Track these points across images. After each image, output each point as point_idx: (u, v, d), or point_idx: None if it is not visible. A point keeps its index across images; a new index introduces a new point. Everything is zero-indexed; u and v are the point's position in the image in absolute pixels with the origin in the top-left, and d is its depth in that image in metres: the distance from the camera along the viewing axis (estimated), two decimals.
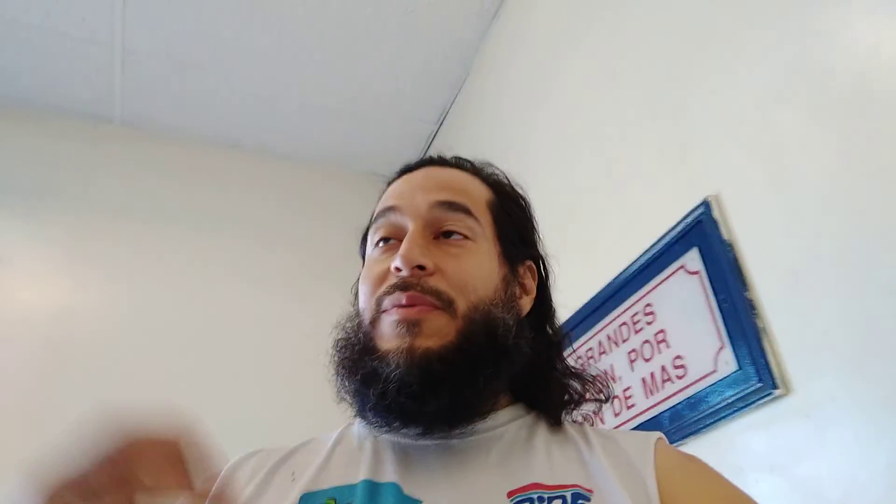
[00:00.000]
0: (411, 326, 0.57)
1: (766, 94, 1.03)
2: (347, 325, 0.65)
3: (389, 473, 0.58)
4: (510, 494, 0.54)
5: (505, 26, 2.08)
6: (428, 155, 0.74)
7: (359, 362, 0.60)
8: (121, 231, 2.24)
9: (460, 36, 2.18)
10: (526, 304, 0.67)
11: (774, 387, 0.92)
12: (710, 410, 1.03)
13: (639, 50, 1.38)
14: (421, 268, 0.59)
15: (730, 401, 0.99)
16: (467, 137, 2.27)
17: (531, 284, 0.69)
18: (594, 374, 0.71)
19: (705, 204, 1.10)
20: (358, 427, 0.65)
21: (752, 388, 0.95)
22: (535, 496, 0.54)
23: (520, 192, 0.75)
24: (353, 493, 0.57)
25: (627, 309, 1.26)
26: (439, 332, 0.57)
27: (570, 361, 0.71)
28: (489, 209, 0.67)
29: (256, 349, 2.17)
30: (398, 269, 0.59)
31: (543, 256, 0.74)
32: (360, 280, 0.67)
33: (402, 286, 0.59)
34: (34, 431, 1.83)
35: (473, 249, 0.63)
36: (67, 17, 2.02)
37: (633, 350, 1.22)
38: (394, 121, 2.48)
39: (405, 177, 0.70)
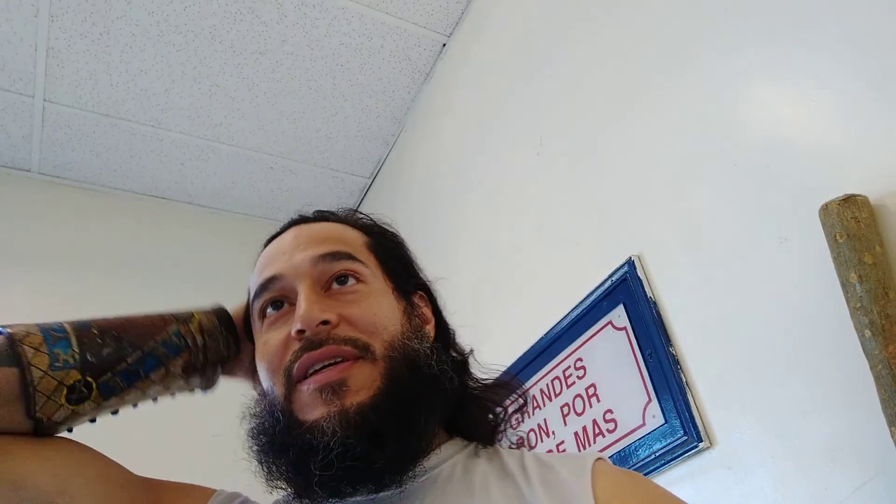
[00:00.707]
0: (337, 388, 0.55)
1: (684, 167, 1.11)
2: (257, 409, 0.61)
3: None
4: None
5: (435, 88, 2.15)
6: (292, 217, 0.72)
7: (285, 442, 0.56)
8: (36, 279, 2.14)
9: (393, 94, 2.24)
10: (430, 331, 0.66)
11: (699, 440, 0.97)
12: (641, 463, 1.07)
13: (562, 116, 1.46)
14: (325, 323, 0.57)
15: (658, 454, 1.03)
16: (401, 191, 2.31)
17: (428, 312, 0.69)
18: (505, 379, 0.72)
19: (630, 263, 1.16)
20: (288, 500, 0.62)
21: (678, 441, 1.00)
22: None
23: (390, 229, 0.74)
24: None
25: (559, 363, 1.30)
26: (365, 383, 0.55)
27: (478, 374, 0.70)
28: (369, 250, 0.66)
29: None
30: (300, 333, 0.56)
31: (429, 283, 0.73)
32: (257, 359, 0.63)
33: (311, 346, 0.56)
34: None
35: (369, 291, 0.61)
36: None
37: (566, 404, 1.26)
38: (327, 174, 2.49)
39: (275, 241, 0.67)
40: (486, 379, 0.70)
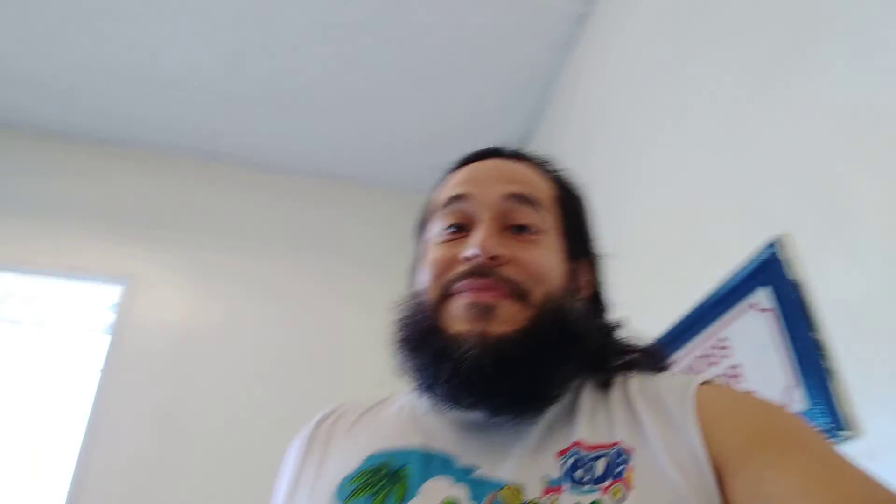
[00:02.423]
0: (485, 311, 0.57)
1: (836, 139, 1.06)
2: (407, 304, 0.65)
3: (445, 444, 0.59)
4: (559, 454, 0.55)
5: (580, 59, 2.14)
6: (493, 146, 0.73)
7: (425, 341, 0.60)
8: (231, 256, 2.52)
9: (539, 66, 2.27)
10: (586, 298, 0.67)
11: (843, 428, 0.96)
12: None
13: (710, 87, 1.42)
14: (494, 258, 0.59)
15: None
16: None
17: (587, 282, 0.69)
18: (653, 345, 0.69)
19: (775, 243, 1.14)
20: (415, 399, 0.66)
21: (822, 428, 0.99)
22: (581, 454, 0.54)
23: (580, 189, 0.74)
24: (409, 457, 0.59)
25: (703, 342, 1.31)
26: (512, 318, 0.58)
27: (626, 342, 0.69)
28: (555, 205, 0.67)
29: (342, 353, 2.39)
30: (472, 257, 0.59)
31: (598, 254, 0.72)
32: (421, 262, 0.66)
33: (478, 273, 0.59)
34: (169, 426, 2.13)
35: (543, 243, 0.63)
36: (182, 70, 2.28)
37: None
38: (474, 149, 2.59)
39: (472, 166, 0.69)
40: (633, 345, 0.68)
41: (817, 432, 0.53)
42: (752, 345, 1.18)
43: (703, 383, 0.57)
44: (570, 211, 0.69)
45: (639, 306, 1.56)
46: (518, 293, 0.59)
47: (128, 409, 2.13)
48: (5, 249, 2.29)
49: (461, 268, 0.60)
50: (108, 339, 2.25)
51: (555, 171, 0.72)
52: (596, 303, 0.70)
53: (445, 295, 0.61)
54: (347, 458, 0.62)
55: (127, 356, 2.21)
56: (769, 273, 1.15)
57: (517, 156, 0.71)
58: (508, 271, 0.59)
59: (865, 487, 0.46)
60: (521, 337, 0.57)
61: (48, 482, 2.04)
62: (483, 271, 0.59)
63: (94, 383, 2.16)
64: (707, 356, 1.29)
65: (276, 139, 2.58)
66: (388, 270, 2.60)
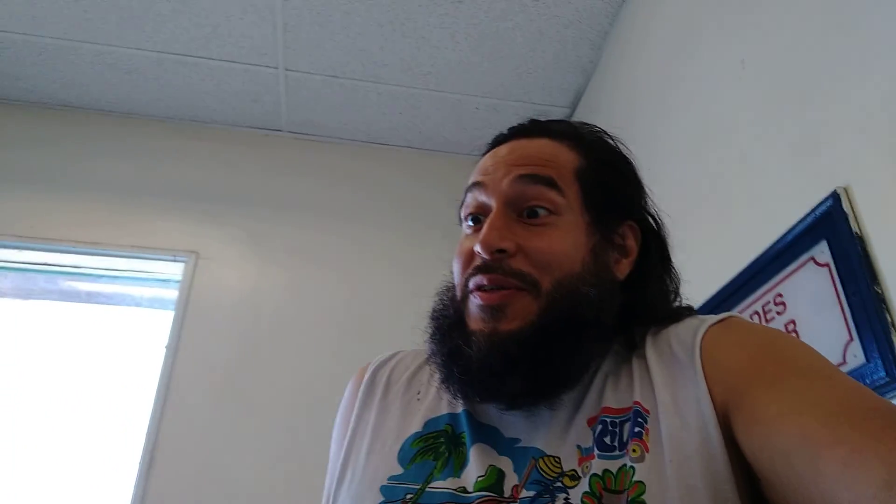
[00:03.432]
0: (495, 311, 0.59)
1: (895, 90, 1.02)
2: (444, 296, 0.68)
3: (488, 416, 0.62)
4: (589, 423, 0.57)
5: (635, 11, 2.08)
6: (520, 123, 0.73)
7: (447, 336, 0.63)
8: (288, 226, 2.58)
9: (591, 21, 2.22)
10: (624, 267, 0.66)
11: None
12: None
13: (768, 38, 1.37)
14: (501, 251, 0.60)
15: None
16: (601, 120, 2.30)
17: (632, 245, 0.68)
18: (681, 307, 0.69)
19: (834, 196, 1.11)
20: None
21: (881, 382, 0.97)
22: (609, 420, 0.56)
23: (618, 148, 0.72)
24: (459, 421, 0.62)
25: (759, 298, 1.29)
26: (522, 313, 0.59)
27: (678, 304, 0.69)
28: (577, 177, 0.65)
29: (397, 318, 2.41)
30: (478, 254, 0.61)
31: (651, 213, 0.71)
32: (456, 254, 0.69)
33: (484, 268, 0.61)
34: (237, 399, 2.22)
35: (558, 224, 0.62)
36: (236, 47, 2.33)
37: None
38: (528, 108, 2.57)
39: (494, 150, 0.70)
40: (685, 308, 0.68)
41: (816, 353, 0.54)
42: (808, 300, 1.16)
43: (713, 325, 0.57)
44: (598, 179, 0.66)
45: (695, 265, 1.55)
46: (526, 284, 0.60)
47: (195, 384, 2.20)
48: (66, 230, 2.38)
49: (477, 261, 0.62)
50: (173, 315, 2.33)
51: (583, 137, 0.70)
52: (646, 266, 0.68)
53: (466, 291, 0.63)
54: (407, 417, 0.65)
55: (192, 332, 2.29)
56: (828, 227, 1.12)
57: (540, 130, 0.70)
58: (516, 263, 0.60)
59: (858, 396, 0.46)
60: (529, 332, 0.58)
61: (119, 462, 2.14)
62: (489, 267, 0.60)
63: (161, 360, 2.24)
64: (762, 312, 1.28)
65: (329, 108, 2.62)
66: (437, 229, 2.65)
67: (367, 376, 0.73)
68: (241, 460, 2.12)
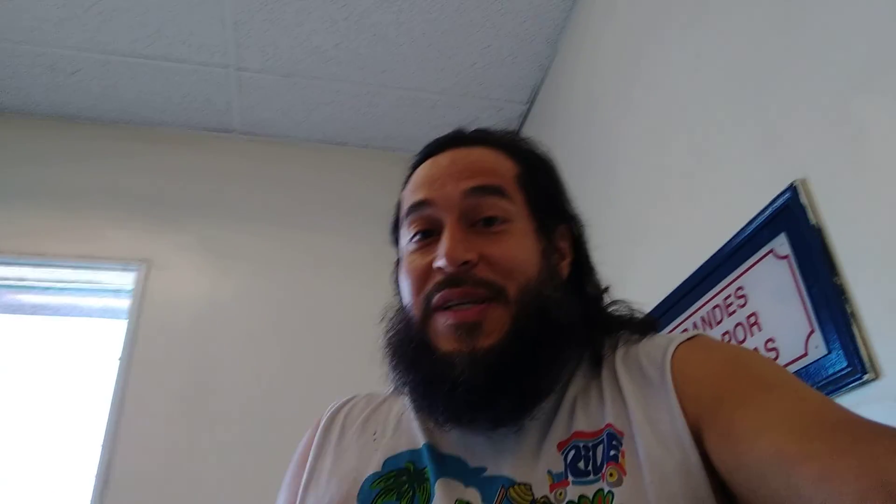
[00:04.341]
0: (471, 329, 0.58)
1: (852, 79, 1.02)
2: (395, 319, 0.65)
3: (453, 448, 0.60)
4: (560, 447, 0.55)
5: (590, 5, 2.08)
6: (451, 132, 0.72)
7: (417, 360, 0.60)
8: (243, 232, 2.50)
9: (546, 16, 2.21)
10: (565, 268, 0.67)
11: (864, 371, 0.95)
12: None
13: (724, 32, 1.37)
14: (466, 263, 0.59)
15: (820, 384, 1.02)
16: (559, 115, 2.31)
17: (567, 247, 0.69)
18: (640, 315, 0.68)
19: (792, 188, 1.11)
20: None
21: (843, 372, 0.98)
22: (581, 444, 0.54)
23: (544, 158, 0.73)
24: (420, 457, 0.60)
25: (720, 292, 1.30)
26: (497, 326, 0.58)
27: (612, 310, 0.69)
28: (518, 185, 0.66)
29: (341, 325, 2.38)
30: (442, 268, 0.59)
31: (575, 217, 0.72)
32: (400, 273, 0.66)
33: (451, 282, 0.59)
34: (190, 401, 2.15)
35: (513, 230, 0.62)
36: (185, 46, 2.25)
37: (727, 332, 1.26)
38: (486, 104, 2.56)
39: (431, 162, 0.68)
40: (624, 314, 0.68)
41: (781, 369, 0.55)
42: (769, 293, 1.17)
43: (682, 343, 0.57)
44: (537, 185, 0.68)
45: (655, 259, 1.56)
46: (493, 293, 0.59)
47: (151, 397, 2.13)
48: (8, 241, 2.27)
49: (437, 277, 0.60)
50: (125, 325, 2.24)
51: (515, 145, 0.71)
52: (580, 267, 0.69)
53: (428, 309, 0.61)
54: (364, 459, 0.63)
55: (146, 343, 2.21)
56: (787, 219, 1.13)
57: (476, 139, 0.70)
58: (481, 273, 0.59)
59: (827, 410, 0.47)
60: (507, 344, 0.57)
61: (73, 481, 2.05)
62: (456, 280, 0.59)
63: (115, 371, 2.16)
64: (723, 306, 1.28)
65: (283, 108, 2.56)
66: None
67: (322, 422, 0.71)
68: (200, 476, 2.05)
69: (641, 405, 0.54)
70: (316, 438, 0.69)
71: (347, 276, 2.47)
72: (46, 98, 2.44)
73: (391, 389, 0.70)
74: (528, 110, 2.58)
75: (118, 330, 2.26)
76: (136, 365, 2.17)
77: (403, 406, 0.68)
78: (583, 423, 0.56)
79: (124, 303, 2.32)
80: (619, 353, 0.61)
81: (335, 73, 2.40)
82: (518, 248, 0.62)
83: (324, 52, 2.31)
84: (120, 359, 2.18)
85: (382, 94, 2.51)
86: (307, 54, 2.32)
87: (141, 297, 2.28)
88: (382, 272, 2.54)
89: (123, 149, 2.54)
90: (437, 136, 0.72)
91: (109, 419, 2.07)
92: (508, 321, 0.58)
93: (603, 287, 0.72)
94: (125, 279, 2.35)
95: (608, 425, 0.54)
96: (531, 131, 2.55)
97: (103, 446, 2.03)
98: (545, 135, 2.34)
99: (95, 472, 1.99)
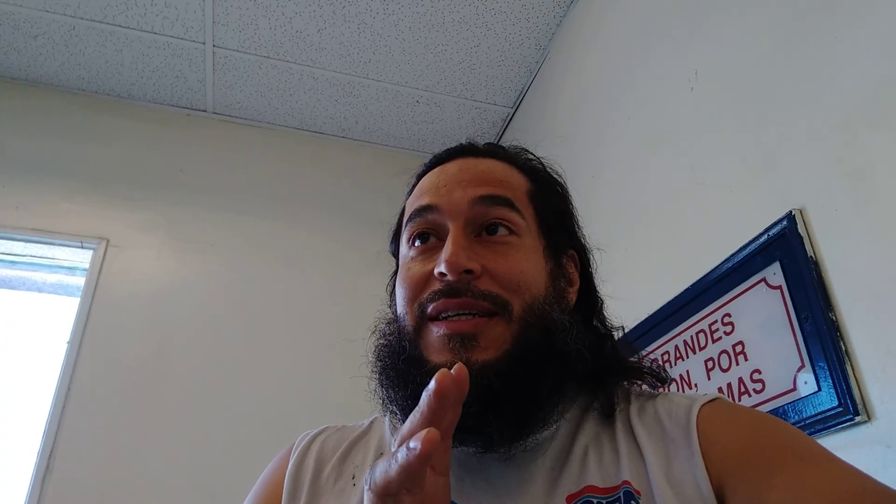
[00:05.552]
0: (467, 340, 0.53)
1: (856, 111, 1.00)
2: (387, 330, 0.61)
3: None
4: (569, 500, 0.51)
5: (584, 13, 2.04)
6: (459, 143, 0.69)
7: (406, 374, 0.55)
8: (209, 214, 2.40)
9: (537, 20, 2.16)
10: (572, 295, 0.63)
11: (855, 412, 0.92)
12: None
13: (723, 51, 1.34)
14: (468, 272, 0.55)
15: (808, 422, 0.99)
16: (544, 122, 2.27)
17: (575, 275, 0.65)
18: (649, 364, 0.65)
19: (789, 217, 1.09)
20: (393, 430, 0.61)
21: (832, 412, 0.96)
22: (595, 500, 0.51)
23: (557, 178, 0.70)
24: None
25: (706, 317, 1.27)
26: (496, 341, 0.53)
27: (624, 354, 0.65)
28: (530, 200, 0.62)
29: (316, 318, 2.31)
30: (443, 275, 0.55)
31: (585, 245, 0.68)
32: (396, 281, 0.62)
33: (450, 292, 0.55)
34: (147, 393, 2.05)
35: (520, 245, 0.58)
36: (159, 17, 2.14)
37: (711, 359, 1.23)
38: (470, 105, 2.50)
39: (439, 169, 0.64)
40: (633, 362, 0.65)
41: (811, 439, 0.52)
42: (758, 322, 1.14)
43: (705, 404, 0.55)
44: (548, 204, 0.64)
45: (641, 278, 1.52)
46: (497, 307, 0.54)
47: (100, 383, 2.02)
48: None
49: (435, 286, 0.56)
50: (78, 304, 2.13)
51: (528, 162, 0.68)
52: (586, 296, 0.66)
53: (422, 319, 0.56)
54: None
55: (99, 325, 2.10)
56: (782, 248, 1.10)
57: (487, 152, 0.66)
58: (483, 284, 0.55)
59: (858, 484, 0.44)
60: (505, 362, 0.53)
61: (9, 467, 1.95)
62: (456, 290, 0.55)
63: (64, 350, 2.05)
64: (709, 332, 1.25)
65: (259, 91, 2.46)
66: (367, 226, 2.54)
67: (293, 457, 0.64)
68: (148, 467, 1.95)
69: (662, 465, 0.51)
70: (288, 473, 0.62)
71: (309, 266, 2.40)
72: (6, 59, 2.29)
73: (367, 422, 0.65)
74: (513, 115, 2.53)
75: (71, 307, 2.14)
76: (86, 349, 2.05)
77: (383, 440, 0.63)
78: (596, 478, 0.52)
79: (79, 280, 2.21)
80: (634, 406, 0.58)
81: (315, 59, 2.31)
82: (524, 263, 0.57)
83: (306, 36, 2.22)
84: (69, 342, 2.06)
85: (363, 85, 2.43)
86: (288, 37, 2.22)
87: (97, 276, 2.16)
88: (352, 262, 2.48)
89: (87, 120, 2.40)
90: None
91: (54, 405, 1.96)
92: (509, 339, 0.54)
93: (613, 325, 0.67)
94: (81, 257, 2.23)
95: (625, 482, 0.51)
96: (513, 137, 2.50)
97: (45, 434, 1.92)
98: (527, 142, 2.27)
99: (35, 463, 1.88)
